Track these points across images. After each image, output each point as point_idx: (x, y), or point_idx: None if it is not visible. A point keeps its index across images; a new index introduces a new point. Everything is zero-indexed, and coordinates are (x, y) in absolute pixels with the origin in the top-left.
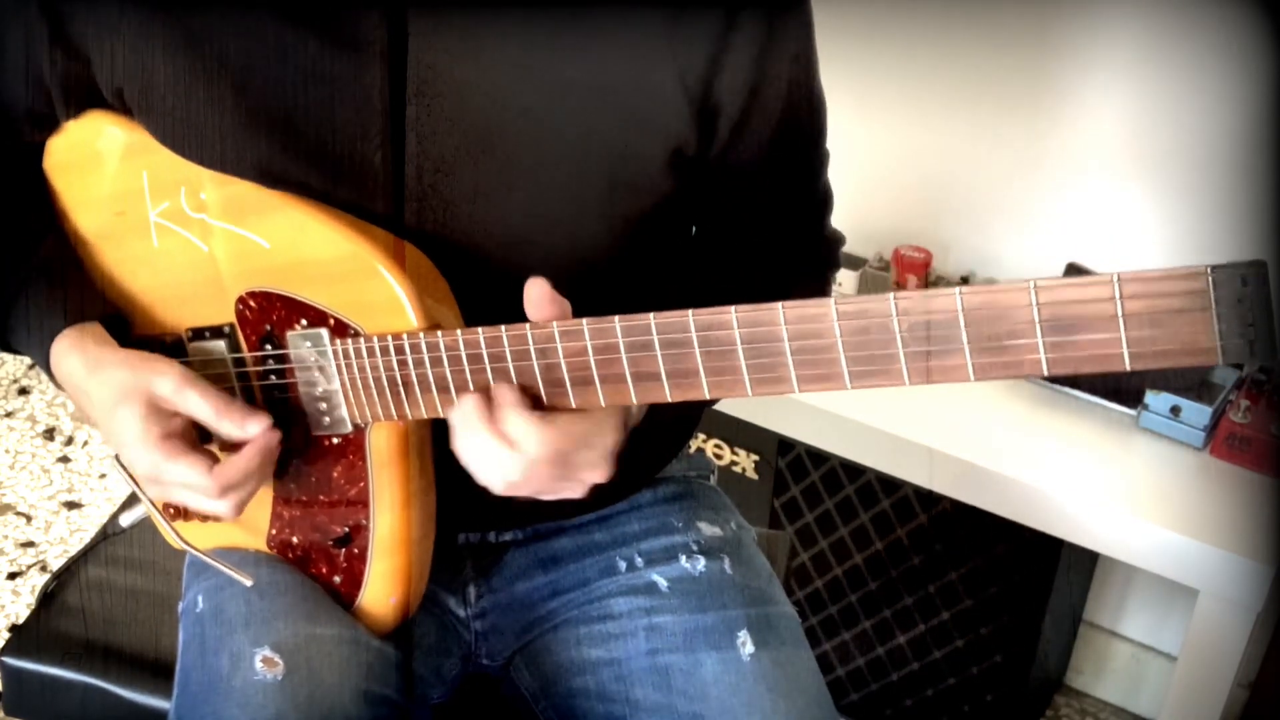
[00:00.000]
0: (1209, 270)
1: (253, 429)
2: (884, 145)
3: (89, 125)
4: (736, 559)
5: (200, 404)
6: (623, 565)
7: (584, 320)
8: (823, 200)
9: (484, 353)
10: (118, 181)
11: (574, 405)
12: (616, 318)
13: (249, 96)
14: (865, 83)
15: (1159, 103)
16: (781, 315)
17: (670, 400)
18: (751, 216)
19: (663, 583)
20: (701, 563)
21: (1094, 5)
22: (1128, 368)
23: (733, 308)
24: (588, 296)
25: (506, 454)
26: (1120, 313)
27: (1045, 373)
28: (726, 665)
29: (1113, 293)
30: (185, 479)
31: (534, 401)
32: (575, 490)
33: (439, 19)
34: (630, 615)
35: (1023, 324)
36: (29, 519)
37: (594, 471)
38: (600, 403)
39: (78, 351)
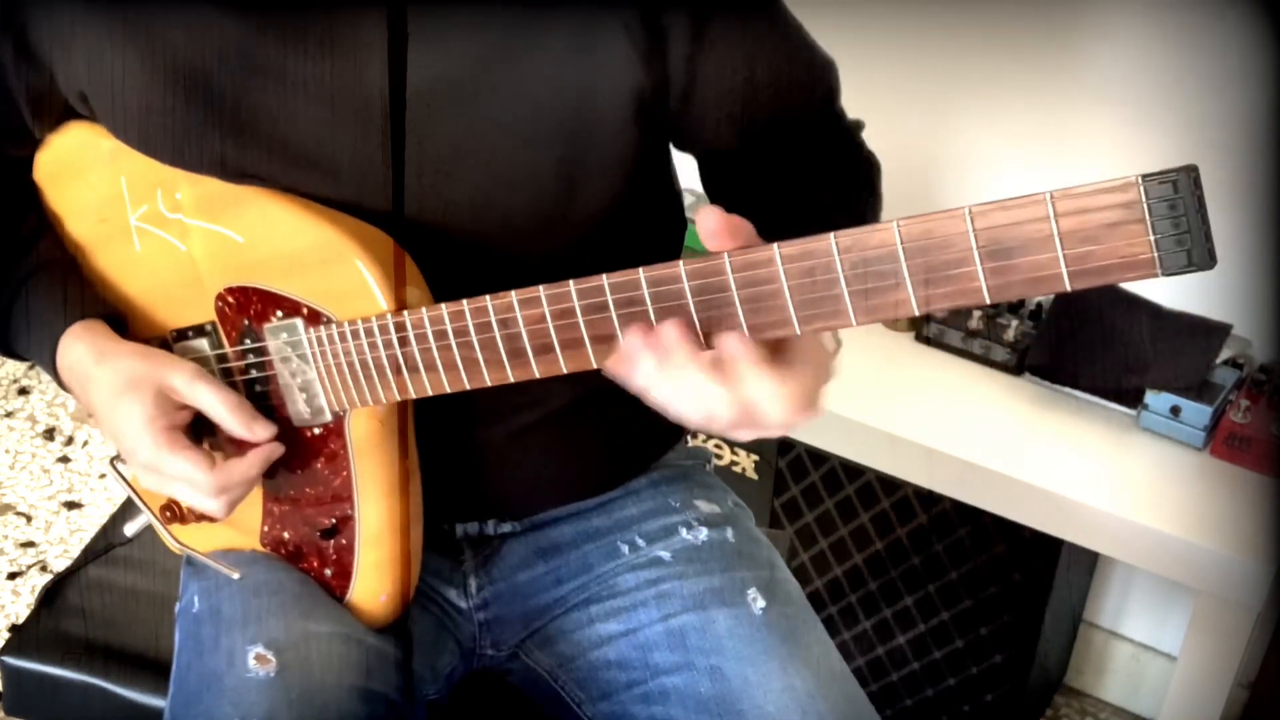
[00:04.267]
0: (1140, 179)
1: (261, 433)
2: (884, 143)
3: (70, 136)
4: (738, 530)
5: (212, 399)
6: (625, 549)
7: (541, 287)
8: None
9: (448, 328)
10: (99, 189)
11: (537, 375)
12: (571, 281)
13: (239, 100)
14: (865, 81)
15: (1160, 103)
16: (728, 264)
17: None
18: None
19: (666, 555)
20: (704, 533)
21: (1096, 5)
22: (1068, 288)
23: (680, 262)
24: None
25: (719, 390)
26: (1056, 232)
27: (987, 300)
28: (739, 619)
29: (1047, 212)
30: (185, 473)
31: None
32: (743, 435)
33: (436, 17)
34: (638, 588)
35: (962, 251)
36: (29, 519)
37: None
38: (562, 369)
39: (85, 341)
